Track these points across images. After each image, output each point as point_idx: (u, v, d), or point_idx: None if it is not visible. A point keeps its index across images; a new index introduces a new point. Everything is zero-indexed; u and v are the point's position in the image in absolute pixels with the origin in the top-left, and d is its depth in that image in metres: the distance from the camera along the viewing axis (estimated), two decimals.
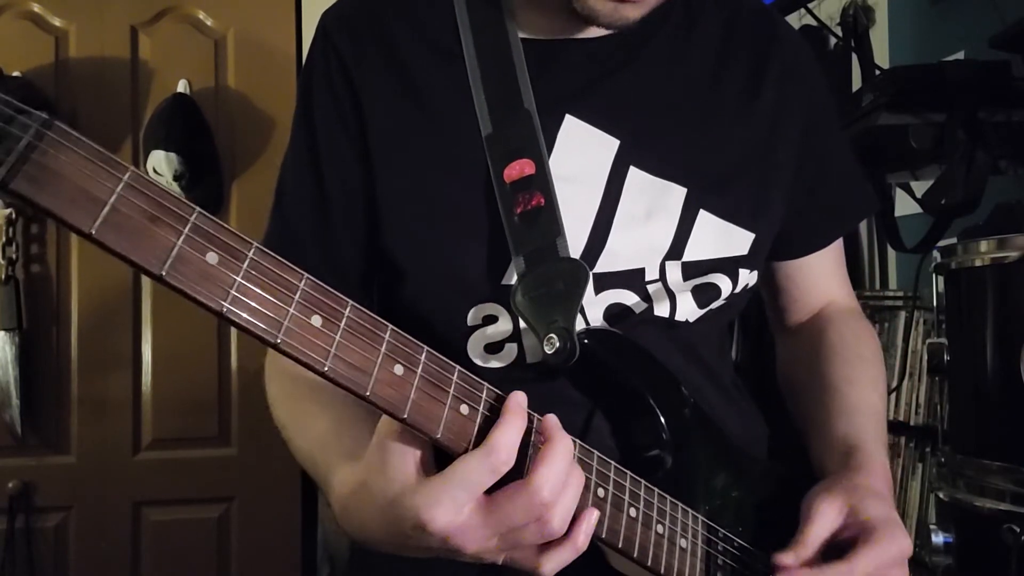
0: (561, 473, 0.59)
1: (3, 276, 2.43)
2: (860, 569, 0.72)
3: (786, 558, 0.73)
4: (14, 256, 2.46)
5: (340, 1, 0.90)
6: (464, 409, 0.60)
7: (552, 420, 0.62)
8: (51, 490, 2.49)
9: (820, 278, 0.99)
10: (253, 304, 0.51)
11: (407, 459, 0.60)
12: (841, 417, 0.87)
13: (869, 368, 0.93)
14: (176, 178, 2.42)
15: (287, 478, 2.58)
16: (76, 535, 2.51)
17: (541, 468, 0.59)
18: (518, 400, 0.61)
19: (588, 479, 0.66)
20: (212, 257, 0.49)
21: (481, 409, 0.60)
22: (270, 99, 2.60)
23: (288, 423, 0.83)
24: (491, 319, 0.79)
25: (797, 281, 0.98)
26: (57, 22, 2.54)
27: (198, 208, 0.49)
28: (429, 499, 0.58)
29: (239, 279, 0.50)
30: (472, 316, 0.79)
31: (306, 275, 0.53)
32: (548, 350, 0.73)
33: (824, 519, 0.75)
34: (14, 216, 2.46)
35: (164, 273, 0.48)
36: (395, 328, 0.57)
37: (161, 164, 2.42)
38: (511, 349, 0.79)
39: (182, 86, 2.54)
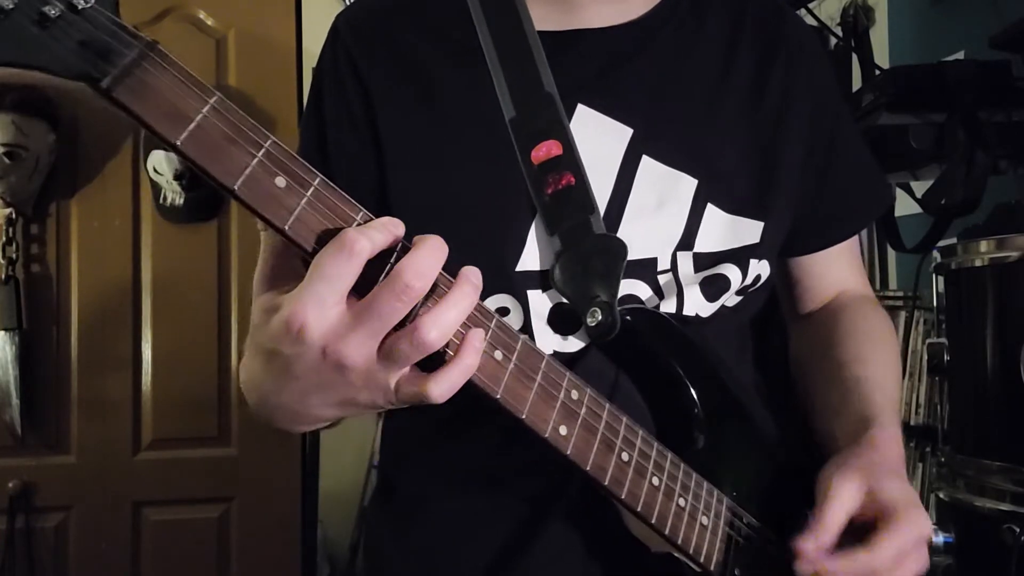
0: (426, 261, 0.56)
1: (3, 276, 2.43)
2: (882, 556, 0.71)
3: (806, 544, 0.72)
4: (14, 256, 2.46)
5: (353, 3, 0.91)
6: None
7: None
8: (51, 490, 2.49)
9: (834, 269, 0.99)
10: (312, 228, 0.56)
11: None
12: (851, 392, 0.87)
13: (881, 349, 0.93)
14: (176, 177, 2.43)
15: (287, 478, 2.58)
16: (76, 535, 2.51)
17: (405, 257, 0.56)
18: (391, 219, 0.58)
19: (558, 383, 0.66)
20: (280, 181, 0.55)
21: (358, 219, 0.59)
22: (271, 98, 2.60)
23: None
24: (503, 311, 0.80)
25: (811, 272, 0.98)
26: None
27: (273, 137, 0.55)
28: (293, 299, 0.56)
29: (302, 204, 0.55)
30: None
31: (363, 210, 0.57)
32: (591, 323, 0.75)
33: (842, 500, 0.74)
34: (14, 216, 2.46)
35: (236, 188, 0.54)
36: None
37: (161, 163, 2.42)
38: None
39: None
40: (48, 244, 2.52)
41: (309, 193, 0.56)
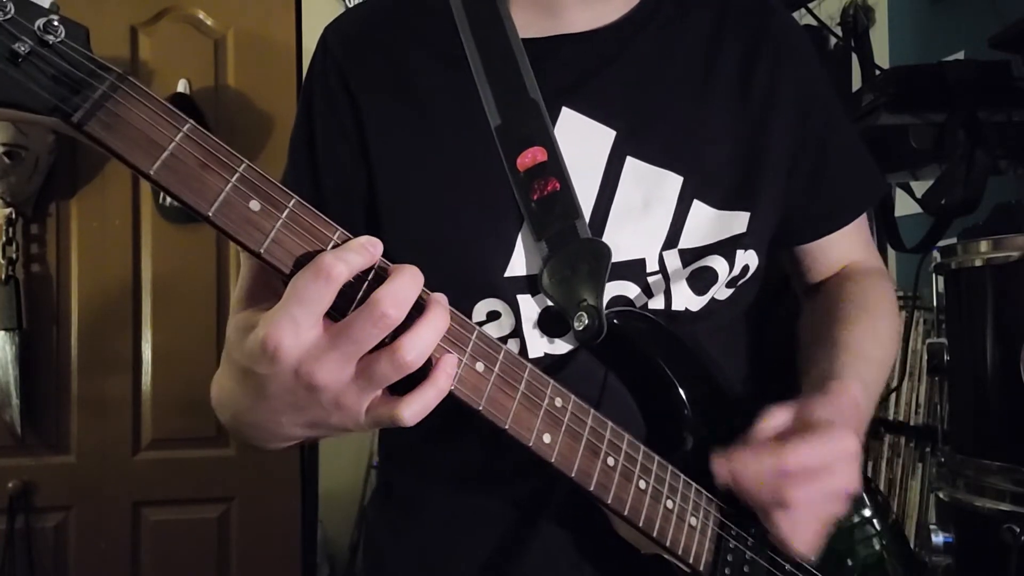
0: (404, 290, 0.56)
1: (3, 276, 2.43)
2: (793, 457, 0.72)
3: (722, 453, 0.74)
4: (14, 256, 2.46)
5: (341, 15, 0.92)
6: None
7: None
8: (51, 490, 2.49)
9: (836, 249, 0.99)
10: (288, 250, 0.56)
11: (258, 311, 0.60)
12: (826, 356, 0.87)
13: (870, 316, 0.93)
14: None
15: (287, 478, 2.58)
16: (76, 535, 2.51)
17: (382, 286, 0.56)
18: (368, 239, 0.58)
19: (542, 391, 0.66)
20: (255, 204, 0.55)
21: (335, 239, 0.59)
22: (270, 98, 2.60)
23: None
24: (494, 315, 0.80)
25: (813, 256, 0.99)
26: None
27: (246, 161, 0.55)
28: (269, 320, 0.56)
29: (277, 226, 0.55)
30: (476, 313, 0.80)
31: (340, 229, 0.57)
32: (578, 327, 0.76)
33: (769, 421, 0.75)
34: (14, 216, 2.46)
35: (211, 214, 0.54)
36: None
37: None
38: (513, 345, 0.80)
39: (182, 86, 2.54)
40: (48, 244, 2.52)
41: (284, 215, 0.56)
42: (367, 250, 0.57)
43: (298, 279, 0.55)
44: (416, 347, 0.57)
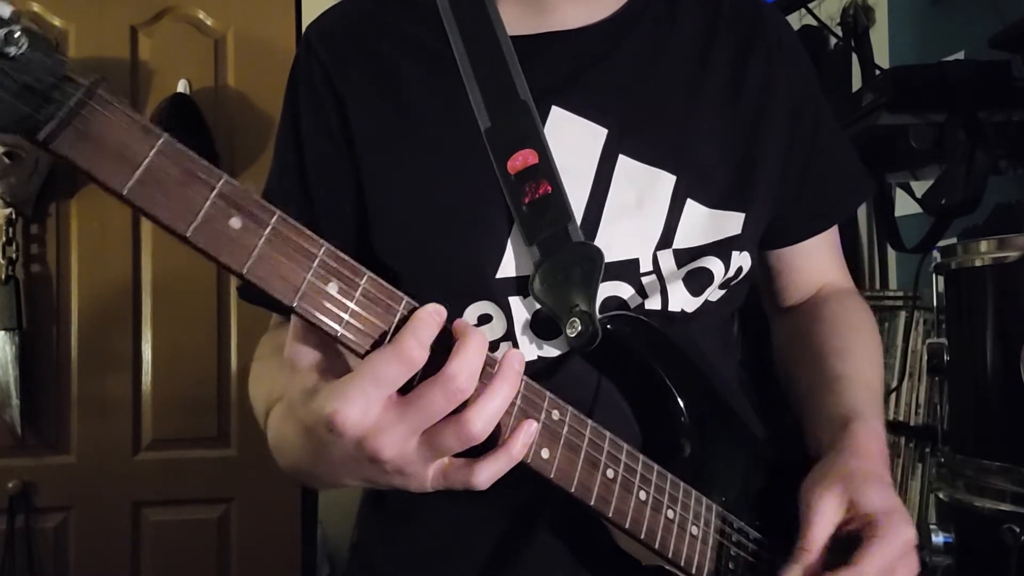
0: (476, 363, 0.57)
1: (3, 276, 2.43)
2: (869, 570, 0.70)
3: (792, 571, 0.72)
4: (14, 256, 2.46)
5: (323, 14, 0.91)
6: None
7: (463, 321, 0.61)
8: (51, 490, 2.49)
9: (815, 262, 0.99)
10: (273, 268, 0.53)
11: (317, 359, 0.60)
12: (833, 388, 0.87)
13: (862, 340, 0.93)
14: None
15: (287, 478, 2.57)
16: (76, 535, 2.51)
17: (454, 359, 0.56)
18: (435, 308, 0.58)
19: (538, 404, 0.65)
20: (235, 222, 0.52)
21: (396, 319, 0.58)
22: (270, 99, 2.59)
23: (255, 396, 0.83)
24: (486, 318, 0.79)
25: (792, 265, 0.98)
26: (57, 22, 2.55)
27: (225, 176, 0.52)
28: (337, 394, 0.56)
29: (260, 244, 0.53)
30: (467, 317, 0.79)
31: (325, 244, 0.55)
32: (571, 334, 0.75)
33: (824, 518, 0.73)
34: (14, 216, 2.46)
35: (189, 234, 0.51)
36: (410, 299, 0.58)
37: None
38: (505, 348, 0.79)
39: (182, 86, 2.54)
40: (48, 244, 2.52)
41: (267, 232, 0.53)
42: (436, 322, 0.57)
43: (377, 360, 0.55)
44: (482, 418, 0.57)
